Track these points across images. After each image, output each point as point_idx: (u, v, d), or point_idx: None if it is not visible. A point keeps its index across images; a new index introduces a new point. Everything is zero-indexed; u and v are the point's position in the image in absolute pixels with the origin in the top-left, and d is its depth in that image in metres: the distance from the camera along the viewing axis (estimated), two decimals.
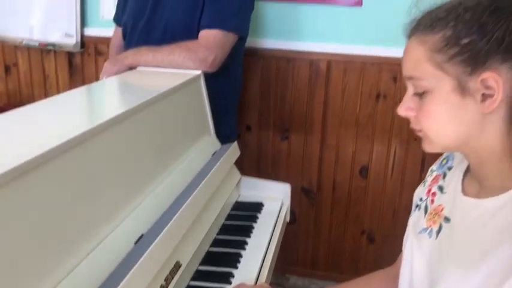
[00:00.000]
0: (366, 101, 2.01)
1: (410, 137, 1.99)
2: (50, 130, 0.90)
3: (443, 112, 0.69)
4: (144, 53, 1.52)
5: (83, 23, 2.23)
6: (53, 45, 2.27)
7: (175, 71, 1.51)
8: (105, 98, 1.31)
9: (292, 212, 1.80)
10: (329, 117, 2.07)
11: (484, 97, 0.66)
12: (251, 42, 1.95)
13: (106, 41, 2.11)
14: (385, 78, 1.96)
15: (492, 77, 0.65)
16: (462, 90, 0.67)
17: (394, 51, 1.91)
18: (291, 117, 2.11)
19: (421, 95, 0.71)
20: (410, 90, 0.74)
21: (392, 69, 1.94)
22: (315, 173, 2.14)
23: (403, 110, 0.75)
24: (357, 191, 2.12)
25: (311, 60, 2.02)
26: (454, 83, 0.67)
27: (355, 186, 2.11)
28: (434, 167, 0.89)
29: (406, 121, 2.01)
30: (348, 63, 1.98)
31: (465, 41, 0.66)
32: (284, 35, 2.03)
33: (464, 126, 0.69)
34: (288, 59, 2.04)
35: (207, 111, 1.52)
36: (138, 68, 1.53)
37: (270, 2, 1.99)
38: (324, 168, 2.13)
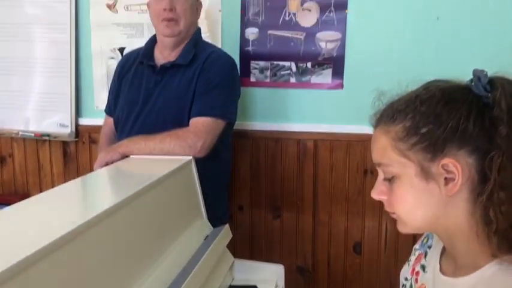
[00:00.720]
0: (354, 177, 2.06)
1: None
2: (46, 225, 0.92)
3: (411, 196, 0.74)
4: (136, 142, 1.59)
5: (78, 113, 2.31)
6: (48, 135, 2.34)
7: (167, 157, 1.56)
8: (100, 189, 1.34)
9: None
10: (319, 194, 2.10)
11: (447, 181, 0.71)
12: (241, 125, 2.03)
13: (100, 129, 2.18)
14: (371, 155, 2.02)
15: (451, 163, 0.70)
16: (426, 175, 0.72)
17: None
18: (282, 195, 2.14)
19: (390, 180, 0.76)
20: (381, 175, 0.79)
21: None
22: (309, 251, 2.14)
23: (376, 194, 0.79)
24: (352, 268, 2.11)
25: (298, 140, 2.09)
26: (418, 168, 0.72)
27: (350, 263, 2.10)
28: (417, 245, 0.92)
29: None
30: (334, 141, 2.06)
31: (423, 130, 0.72)
32: (272, 117, 2.12)
33: (431, 208, 0.73)
34: (276, 139, 2.12)
35: (198, 195, 1.56)
36: (131, 156, 1.59)
37: (257, 87, 2.10)
38: (318, 246, 2.13)
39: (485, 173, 0.68)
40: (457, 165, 0.70)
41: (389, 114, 0.76)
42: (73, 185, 1.29)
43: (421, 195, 0.73)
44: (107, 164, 1.54)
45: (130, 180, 1.37)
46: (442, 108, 0.71)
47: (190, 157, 1.54)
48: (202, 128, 1.60)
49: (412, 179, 0.73)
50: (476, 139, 0.69)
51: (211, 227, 1.54)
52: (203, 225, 1.52)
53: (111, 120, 1.87)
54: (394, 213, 0.78)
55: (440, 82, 0.76)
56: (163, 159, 1.55)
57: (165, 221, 1.28)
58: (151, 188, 1.22)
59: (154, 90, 1.70)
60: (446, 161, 0.70)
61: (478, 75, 0.72)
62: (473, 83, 0.72)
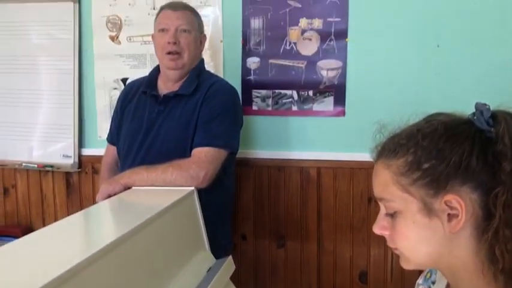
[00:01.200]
0: (358, 205, 2.04)
1: None
2: (48, 260, 0.91)
3: (413, 232, 0.72)
4: (139, 172, 1.58)
5: (81, 144, 2.32)
6: (51, 166, 2.34)
7: (169, 188, 1.55)
8: (102, 222, 1.33)
9: None
10: (324, 222, 2.08)
11: (450, 217, 0.70)
12: (243, 153, 2.03)
13: None
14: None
15: (454, 199, 0.69)
16: (428, 211, 0.71)
17: None
18: (286, 224, 2.12)
19: (392, 215, 0.75)
20: (382, 210, 0.77)
21: None
22: (314, 280, 2.10)
23: (377, 229, 0.78)
24: None
25: (301, 168, 2.09)
26: (420, 204, 0.71)
27: None
28: (420, 280, 0.90)
29: None
30: (337, 169, 2.05)
31: (426, 165, 0.71)
32: (274, 145, 2.12)
33: (434, 245, 0.72)
34: (279, 168, 2.11)
35: (201, 226, 1.54)
36: (133, 188, 1.58)
37: (259, 115, 2.11)
38: (323, 275, 2.10)
39: (490, 209, 0.67)
40: (461, 201, 0.68)
41: (391, 148, 0.75)
42: (76, 219, 1.28)
43: (423, 232, 0.72)
44: (109, 196, 1.54)
45: (132, 213, 1.36)
46: (445, 143, 0.70)
47: (193, 188, 1.53)
48: (204, 158, 1.60)
49: (414, 215, 0.72)
50: (479, 175, 0.68)
51: (214, 259, 1.52)
52: (206, 257, 1.50)
53: (113, 148, 1.87)
54: (396, 248, 0.76)
55: (442, 115, 0.76)
56: (166, 190, 1.55)
57: (168, 254, 1.27)
58: (154, 221, 1.21)
59: (157, 119, 1.71)
60: (449, 197, 0.69)
61: (480, 109, 0.71)
62: (475, 117, 0.72)
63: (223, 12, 2.11)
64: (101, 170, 1.93)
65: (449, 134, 0.71)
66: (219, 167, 1.63)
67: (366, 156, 1.98)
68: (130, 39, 2.22)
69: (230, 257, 1.51)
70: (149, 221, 1.18)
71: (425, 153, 0.71)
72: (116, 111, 1.88)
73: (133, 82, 1.91)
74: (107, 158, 1.90)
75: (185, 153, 1.63)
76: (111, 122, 1.92)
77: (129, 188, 1.58)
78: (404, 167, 0.72)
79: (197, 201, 1.53)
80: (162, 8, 1.76)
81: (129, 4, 2.20)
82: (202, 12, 2.08)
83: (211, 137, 1.63)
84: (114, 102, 2.24)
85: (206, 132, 1.64)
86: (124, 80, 2.24)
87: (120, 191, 1.56)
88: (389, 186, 0.74)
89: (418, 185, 0.71)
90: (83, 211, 1.36)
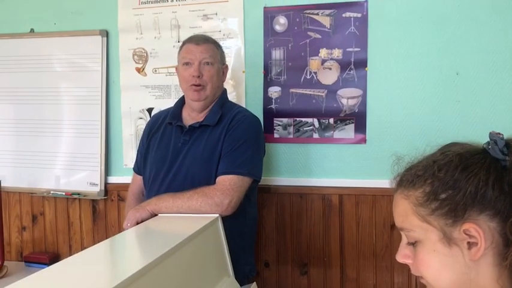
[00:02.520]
0: (381, 231, 2.04)
1: None
2: None
3: (435, 260, 0.74)
4: (165, 199, 1.62)
5: (107, 172, 2.39)
6: (78, 193, 2.40)
7: (194, 215, 1.59)
8: (129, 250, 1.36)
9: None
10: (346, 250, 2.08)
11: (470, 245, 0.71)
12: (265, 180, 2.06)
13: (128, 187, 2.25)
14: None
15: (473, 228, 0.70)
16: (448, 240, 0.72)
17: None
18: (308, 251, 2.13)
19: (413, 244, 0.77)
20: (404, 239, 0.79)
21: None
22: None
23: (400, 258, 0.80)
24: None
25: (323, 195, 2.10)
26: (440, 233, 0.73)
27: None
28: None
29: None
30: (359, 196, 2.06)
31: (443, 196, 0.73)
32: (296, 173, 2.14)
33: (456, 272, 0.73)
34: (301, 195, 2.13)
35: (225, 253, 1.57)
36: (159, 215, 1.62)
37: (281, 143, 2.15)
38: None
39: (508, 236, 0.68)
40: (479, 230, 0.70)
41: (409, 179, 0.78)
42: (103, 247, 1.31)
43: (445, 260, 0.73)
44: (137, 222, 1.58)
45: (158, 241, 1.38)
46: (460, 174, 0.72)
47: (217, 215, 1.57)
48: (228, 186, 1.63)
49: (435, 244, 0.73)
50: (496, 203, 0.70)
51: (239, 285, 1.54)
52: (230, 284, 1.52)
53: (139, 178, 1.92)
54: (421, 277, 0.78)
55: (457, 146, 0.78)
56: (191, 217, 1.58)
57: (193, 281, 1.29)
58: (180, 248, 1.24)
59: (182, 149, 1.76)
60: (467, 226, 0.70)
61: (494, 138, 0.73)
62: (490, 147, 0.74)
63: (246, 44, 2.18)
64: (127, 198, 1.98)
65: (464, 165, 0.73)
66: (243, 194, 1.66)
67: (387, 183, 2.00)
68: (155, 70, 2.30)
69: (254, 284, 1.53)
70: (175, 248, 1.21)
71: (442, 183, 0.73)
72: (141, 142, 1.94)
73: (159, 114, 1.97)
74: (133, 187, 1.95)
75: (210, 181, 1.67)
76: (137, 152, 1.97)
77: (155, 214, 1.62)
78: (422, 197, 0.75)
79: (221, 228, 1.56)
80: (185, 42, 1.82)
81: (155, 37, 2.29)
82: (225, 43, 2.17)
83: (236, 165, 1.67)
84: (140, 132, 2.32)
85: (230, 161, 1.68)
86: (150, 110, 2.31)
87: (147, 218, 1.60)
88: (409, 216, 0.76)
89: (436, 214, 0.73)
90: (110, 239, 1.39)
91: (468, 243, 0.71)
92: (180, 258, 1.23)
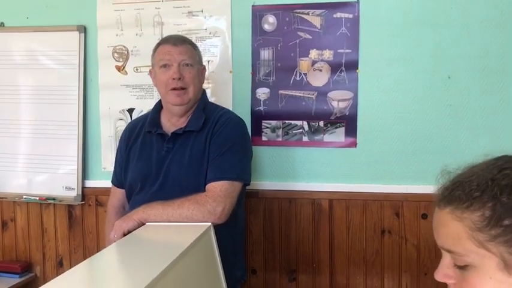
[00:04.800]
0: (372, 237, 2.01)
1: (420, 272, 1.96)
2: None
3: (489, 287, 0.69)
4: (154, 207, 1.53)
5: (84, 175, 2.26)
6: (53, 198, 2.27)
7: (183, 224, 1.50)
8: (119, 270, 1.24)
9: None
10: (336, 255, 2.04)
11: None
12: (253, 184, 1.96)
13: (107, 191, 2.11)
14: (388, 214, 1.98)
15: None
16: (508, 268, 0.67)
17: (392, 187, 1.97)
18: (297, 257, 2.07)
19: (461, 267, 0.71)
20: (446, 259, 0.73)
21: (394, 205, 1.97)
22: None
23: (441, 277, 0.74)
24: None
25: (313, 200, 2.05)
26: (499, 261, 0.67)
27: None
28: None
29: (414, 256, 1.99)
30: (350, 201, 2.02)
31: (506, 222, 0.67)
32: (284, 177, 2.08)
33: None
34: (290, 199, 2.07)
35: (217, 263, 1.49)
36: (147, 224, 1.53)
37: (269, 146, 2.08)
38: None
39: None
40: None
41: (463, 198, 0.71)
42: (94, 263, 1.20)
43: (500, 287, 0.68)
44: (124, 234, 1.48)
45: (150, 258, 1.27)
46: None
47: (209, 224, 1.49)
48: (220, 193, 1.56)
49: (491, 271, 0.68)
50: None
51: None
52: None
53: (119, 191, 1.81)
54: None
55: None
56: (181, 226, 1.50)
57: None
58: (176, 263, 1.15)
59: (166, 157, 1.66)
60: None
61: None
62: None
63: (233, 43, 2.10)
64: (107, 213, 1.87)
65: None
66: (235, 200, 1.60)
67: (378, 188, 1.99)
68: (137, 69, 2.19)
69: None
70: (173, 264, 1.13)
71: (505, 209, 0.67)
72: (119, 153, 1.81)
73: (135, 121, 1.86)
74: (113, 201, 1.84)
75: (199, 189, 1.59)
76: (115, 163, 1.85)
77: (143, 223, 1.53)
78: (481, 222, 0.69)
79: (214, 238, 1.48)
80: (160, 43, 1.71)
81: (137, 34, 2.18)
82: (211, 42, 2.09)
83: (225, 170, 1.60)
84: (120, 133, 2.20)
85: (219, 167, 1.61)
86: (130, 111, 2.21)
87: (135, 228, 1.51)
88: (462, 240, 0.70)
89: (497, 241, 0.67)
90: (99, 253, 1.29)
91: None
92: (177, 273, 1.14)
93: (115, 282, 1.12)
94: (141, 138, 1.74)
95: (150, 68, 1.76)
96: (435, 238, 0.75)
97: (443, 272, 0.73)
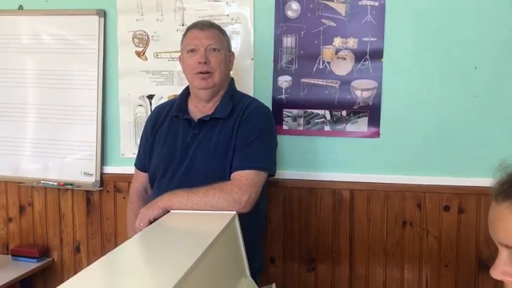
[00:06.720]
0: (393, 228, 1.99)
1: (441, 264, 1.94)
2: None
3: None
4: (178, 195, 1.52)
5: (103, 161, 2.25)
6: (71, 184, 2.26)
7: (208, 212, 1.49)
8: (151, 261, 1.19)
9: None
10: (356, 246, 2.03)
11: None
12: None
13: (126, 178, 2.13)
14: (410, 205, 1.97)
15: None
16: None
17: (415, 179, 1.95)
18: (316, 247, 2.06)
19: None
20: (504, 255, 0.72)
21: (416, 196, 1.95)
22: None
23: (499, 274, 0.72)
24: None
25: (333, 190, 2.03)
26: None
27: None
28: None
29: (435, 248, 1.97)
30: (371, 191, 2.00)
31: None
32: (305, 166, 2.06)
33: None
34: (310, 189, 2.06)
35: (242, 252, 1.48)
36: (172, 211, 1.51)
37: (290, 135, 2.06)
38: None
39: None
40: None
41: None
42: (121, 253, 1.16)
43: None
44: (149, 222, 1.47)
45: (181, 248, 1.25)
46: None
47: (234, 212, 1.48)
48: (246, 182, 1.54)
49: None
50: None
51: (257, 286, 1.46)
52: (248, 285, 1.44)
53: (142, 175, 1.81)
54: None
55: None
56: (206, 214, 1.49)
57: (218, 285, 1.20)
58: (206, 254, 1.14)
59: (191, 143, 1.65)
60: None
61: None
62: None
63: (255, 30, 2.07)
64: (129, 197, 1.86)
65: None
66: (260, 190, 1.58)
67: (400, 179, 1.96)
68: (157, 55, 2.17)
69: (274, 285, 1.45)
70: (203, 255, 1.11)
71: None
72: (144, 137, 1.80)
73: (162, 106, 1.85)
74: (136, 185, 1.83)
75: (224, 177, 1.58)
76: (140, 147, 1.84)
77: (168, 211, 1.52)
78: None
79: (238, 227, 1.47)
80: (188, 29, 1.71)
81: (157, 19, 2.15)
82: (233, 28, 2.06)
83: (251, 159, 1.58)
84: (139, 120, 2.20)
85: (245, 155, 1.59)
86: (150, 97, 2.18)
87: (160, 215, 1.50)
88: None
89: None
90: (127, 242, 1.26)
91: None
92: (204, 267, 1.12)
93: (145, 276, 1.05)
94: (167, 122, 1.73)
95: (179, 54, 1.74)
96: (491, 233, 0.73)
97: (502, 269, 0.72)
